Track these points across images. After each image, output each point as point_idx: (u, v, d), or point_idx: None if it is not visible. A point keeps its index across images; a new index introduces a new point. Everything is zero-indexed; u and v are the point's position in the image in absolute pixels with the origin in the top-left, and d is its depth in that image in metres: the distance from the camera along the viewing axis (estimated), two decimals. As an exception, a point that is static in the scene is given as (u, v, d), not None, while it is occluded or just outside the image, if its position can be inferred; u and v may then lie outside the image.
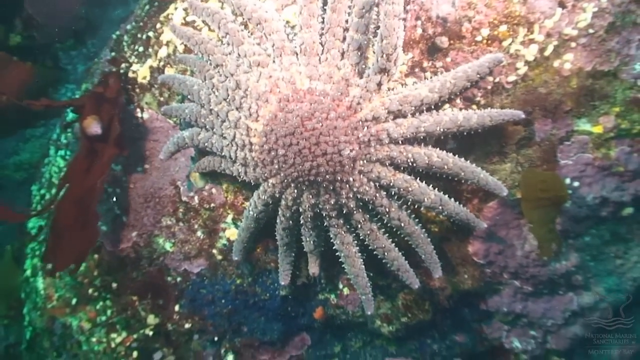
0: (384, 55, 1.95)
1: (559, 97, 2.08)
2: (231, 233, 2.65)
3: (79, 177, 2.83)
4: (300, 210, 2.18)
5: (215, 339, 2.90)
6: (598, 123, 2.10)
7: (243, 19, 2.23)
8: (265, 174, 2.15)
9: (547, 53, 2.03)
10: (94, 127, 2.69)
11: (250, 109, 2.11)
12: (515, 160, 2.21)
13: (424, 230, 2.14)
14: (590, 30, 2.00)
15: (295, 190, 2.13)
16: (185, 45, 2.58)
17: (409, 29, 2.14)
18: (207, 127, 2.29)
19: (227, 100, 2.19)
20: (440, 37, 2.10)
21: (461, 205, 2.10)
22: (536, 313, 2.56)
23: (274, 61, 2.13)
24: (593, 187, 2.19)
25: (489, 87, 2.11)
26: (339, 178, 2.03)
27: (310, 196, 2.11)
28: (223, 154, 2.27)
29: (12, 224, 4.86)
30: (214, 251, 2.72)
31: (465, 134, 2.03)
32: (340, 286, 2.67)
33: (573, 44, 2.02)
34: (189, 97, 2.35)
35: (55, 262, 2.78)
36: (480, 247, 2.39)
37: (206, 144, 2.32)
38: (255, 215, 2.29)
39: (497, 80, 2.09)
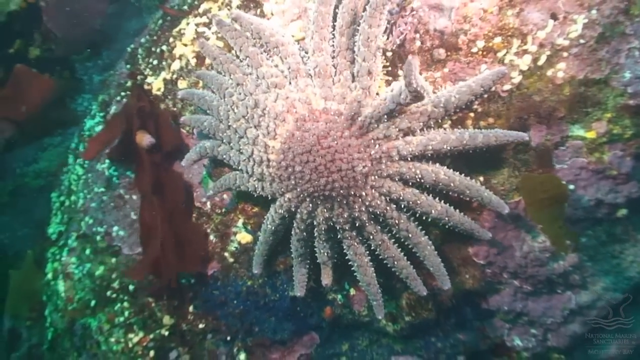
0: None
1: (552, 104, 2.17)
2: (242, 237, 2.77)
3: (155, 189, 2.90)
4: (315, 223, 2.29)
5: (228, 338, 3.01)
6: (591, 128, 2.18)
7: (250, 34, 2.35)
8: (282, 189, 2.26)
9: (540, 63, 2.13)
10: (148, 139, 2.81)
11: (269, 128, 2.23)
12: (512, 165, 2.30)
13: (430, 242, 2.24)
14: (581, 41, 2.09)
15: (311, 205, 2.23)
16: (197, 58, 2.72)
17: (408, 41, 2.25)
18: (225, 141, 2.42)
19: (246, 117, 2.31)
20: (438, 49, 2.21)
21: (466, 216, 2.21)
22: (536, 312, 2.64)
23: (290, 83, 2.25)
24: (588, 190, 2.28)
25: (486, 96, 2.20)
26: (352, 193, 2.14)
27: (325, 210, 2.22)
28: (240, 168, 2.38)
29: (32, 229, 5.06)
30: (226, 254, 2.84)
31: (470, 151, 2.13)
32: (347, 287, 2.78)
33: (565, 54, 2.11)
34: (208, 111, 2.48)
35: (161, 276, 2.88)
36: (480, 248, 2.48)
37: (224, 156, 2.44)
38: (273, 228, 2.40)
39: (493, 89, 2.19)
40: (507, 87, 2.18)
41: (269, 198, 2.36)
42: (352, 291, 2.77)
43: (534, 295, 2.61)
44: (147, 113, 2.89)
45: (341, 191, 2.12)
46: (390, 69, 2.30)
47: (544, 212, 2.29)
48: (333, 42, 2.16)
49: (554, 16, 2.10)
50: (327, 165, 2.08)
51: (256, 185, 2.35)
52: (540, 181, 2.26)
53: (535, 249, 2.42)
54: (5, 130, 4.36)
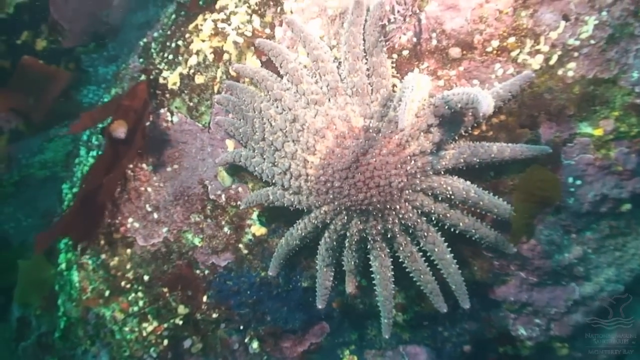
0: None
1: (562, 103, 2.24)
2: (256, 229, 2.83)
3: (97, 177, 3.07)
4: (348, 234, 2.35)
5: (241, 327, 3.08)
6: (599, 126, 2.26)
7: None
8: (319, 202, 2.32)
9: (552, 62, 2.20)
10: (120, 132, 2.86)
11: (308, 143, 2.29)
12: (522, 161, 2.37)
13: (455, 261, 2.32)
14: (592, 41, 2.16)
15: (346, 217, 2.30)
16: (214, 54, 2.77)
17: (425, 40, 2.31)
18: (257, 152, 2.49)
19: (284, 131, 2.37)
20: (453, 48, 2.27)
21: (492, 230, 2.32)
22: (541, 302, 2.73)
23: (329, 100, 2.31)
24: (594, 185, 2.36)
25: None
26: (388, 206, 2.21)
27: (359, 222, 2.28)
28: (274, 181, 2.44)
29: (37, 219, 5.09)
30: (240, 246, 2.90)
31: (496, 164, 2.23)
32: (358, 278, 2.85)
33: (576, 54, 2.18)
34: (241, 120, 2.54)
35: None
36: (489, 241, 2.56)
37: (256, 169, 2.50)
38: (302, 234, 2.45)
39: (505, 87, 2.26)
40: (519, 85, 2.25)
41: (305, 211, 2.42)
42: (364, 282, 2.84)
43: (539, 286, 2.70)
44: (132, 110, 2.97)
45: (378, 205, 2.19)
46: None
47: (526, 204, 2.38)
48: (366, 60, 2.24)
49: (565, 17, 2.17)
50: (365, 181, 2.15)
51: (292, 200, 2.40)
52: (544, 177, 2.34)
53: (542, 242, 2.51)
54: (12, 122, 4.38)
